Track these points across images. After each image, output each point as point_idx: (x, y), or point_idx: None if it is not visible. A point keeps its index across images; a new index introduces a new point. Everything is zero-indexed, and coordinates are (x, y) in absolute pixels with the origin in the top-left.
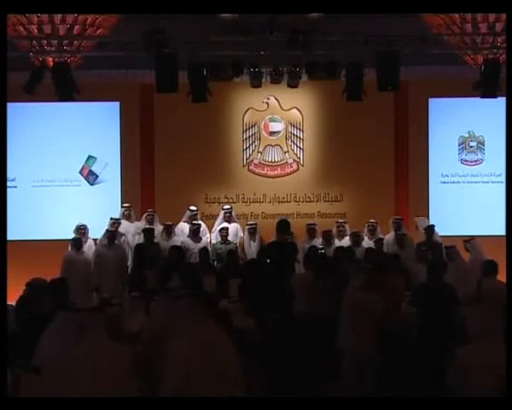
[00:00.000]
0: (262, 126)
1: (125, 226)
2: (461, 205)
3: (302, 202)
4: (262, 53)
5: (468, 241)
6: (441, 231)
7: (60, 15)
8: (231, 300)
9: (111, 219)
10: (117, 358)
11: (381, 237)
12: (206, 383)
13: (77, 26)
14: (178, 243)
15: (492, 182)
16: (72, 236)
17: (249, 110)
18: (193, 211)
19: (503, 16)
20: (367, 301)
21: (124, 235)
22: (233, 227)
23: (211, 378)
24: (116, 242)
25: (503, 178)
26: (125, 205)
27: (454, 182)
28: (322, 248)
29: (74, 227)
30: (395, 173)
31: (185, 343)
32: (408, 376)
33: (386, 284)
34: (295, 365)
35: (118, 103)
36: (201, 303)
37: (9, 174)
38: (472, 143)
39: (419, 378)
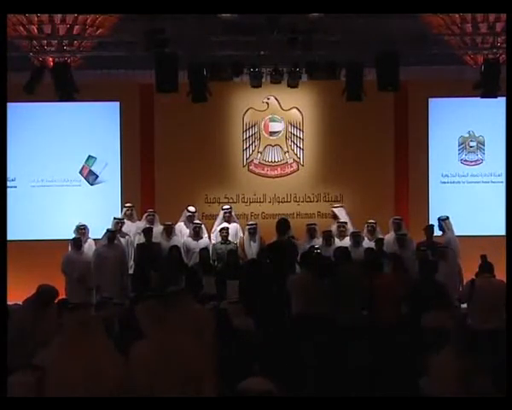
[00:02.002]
0: (262, 126)
1: (126, 226)
2: (461, 205)
3: (302, 202)
4: (262, 53)
5: (444, 220)
6: (441, 230)
7: (60, 15)
8: (230, 301)
9: (114, 218)
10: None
11: (381, 237)
12: (169, 384)
13: (77, 26)
14: (179, 243)
15: (492, 182)
16: (72, 236)
17: (249, 110)
18: (191, 212)
19: (503, 16)
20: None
21: (127, 235)
22: (233, 227)
23: (173, 380)
24: (116, 242)
25: (503, 178)
26: (127, 205)
27: (454, 182)
28: (318, 248)
29: (74, 227)
30: (395, 173)
31: (145, 345)
32: None
33: None
34: (295, 365)
35: (118, 103)
36: (165, 305)
37: (9, 174)
38: (472, 143)
39: None
